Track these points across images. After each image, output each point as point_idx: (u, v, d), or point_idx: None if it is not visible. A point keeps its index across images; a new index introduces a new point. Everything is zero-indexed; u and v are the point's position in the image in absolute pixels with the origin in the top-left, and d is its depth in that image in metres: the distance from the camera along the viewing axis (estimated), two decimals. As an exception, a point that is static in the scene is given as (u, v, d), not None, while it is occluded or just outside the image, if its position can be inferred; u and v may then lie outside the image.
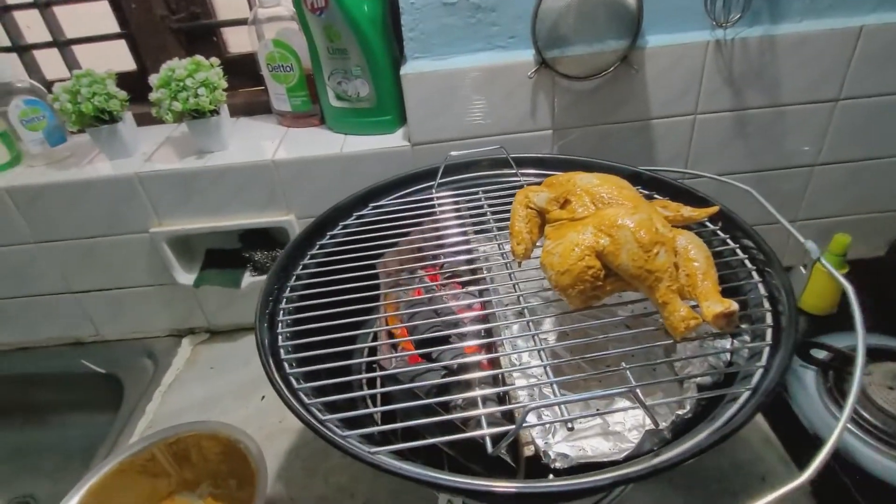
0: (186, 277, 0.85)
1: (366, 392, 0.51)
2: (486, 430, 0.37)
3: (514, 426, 0.35)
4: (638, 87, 0.73)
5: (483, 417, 0.38)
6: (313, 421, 0.40)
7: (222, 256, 0.87)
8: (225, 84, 0.75)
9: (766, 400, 0.36)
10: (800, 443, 0.64)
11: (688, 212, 0.53)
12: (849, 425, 0.59)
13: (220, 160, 0.77)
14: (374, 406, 0.50)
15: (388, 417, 0.49)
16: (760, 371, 0.40)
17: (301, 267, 0.58)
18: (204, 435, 0.63)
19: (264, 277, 0.82)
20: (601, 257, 0.45)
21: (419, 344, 0.48)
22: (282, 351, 0.48)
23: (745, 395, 0.38)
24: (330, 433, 0.39)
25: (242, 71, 0.89)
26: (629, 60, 0.69)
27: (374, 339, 0.57)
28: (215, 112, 0.76)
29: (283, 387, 0.43)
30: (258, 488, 0.56)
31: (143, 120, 0.86)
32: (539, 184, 0.60)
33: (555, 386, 0.40)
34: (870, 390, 0.60)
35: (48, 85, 0.82)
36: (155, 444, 0.63)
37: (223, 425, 0.64)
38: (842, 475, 0.55)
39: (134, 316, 0.92)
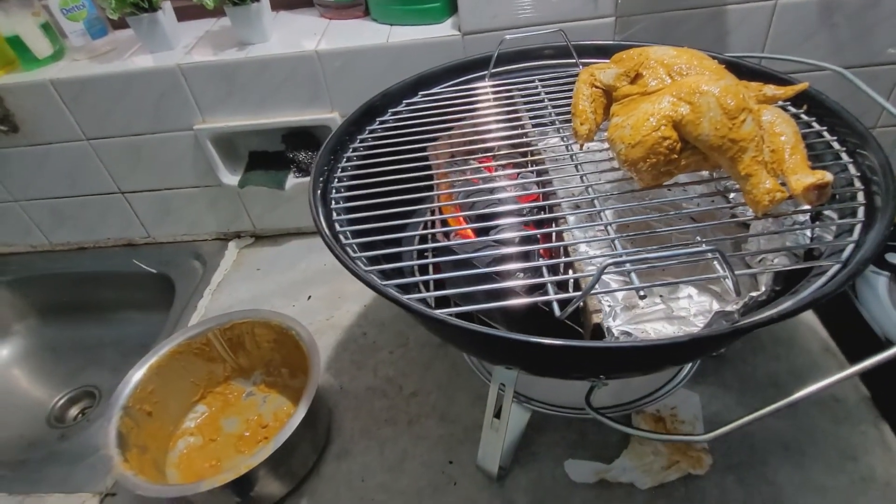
0: (231, 178, 0.85)
1: (420, 262, 0.50)
2: (552, 296, 0.36)
3: (580, 293, 0.34)
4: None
5: (549, 285, 0.37)
6: (377, 282, 0.39)
7: (266, 158, 0.86)
8: (266, -33, 0.71)
9: (859, 270, 0.34)
10: (863, 351, 0.61)
11: (771, 90, 0.48)
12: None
13: (263, 51, 0.74)
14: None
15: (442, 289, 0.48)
16: (851, 246, 0.37)
17: (351, 150, 0.56)
18: (257, 322, 0.65)
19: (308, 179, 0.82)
20: (679, 128, 0.42)
21: (476, 221, 0.46)
22: (336, 225, 0.47)
23: (835, 267, 0.35)
24: (394, 293, 0.38)
25: (280, -39, 0.84)
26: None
27: (430, 218, 0.56)
28: (256, -1, 0.73)
29: (340, 251, 0.42)
30: (311, 372, 0.57)
31: (182, 14, 0.83)
32: (603, 66, 0.56)
33: (626, 254, 0.38)
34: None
35: (86, -27, 0.79)
36: (210, 330, 0.64)
37: (275, 314, 0.65)
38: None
39: (182, 218, 0.93)
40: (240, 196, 0.89)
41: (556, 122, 0.56)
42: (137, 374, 0.60)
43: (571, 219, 0.49)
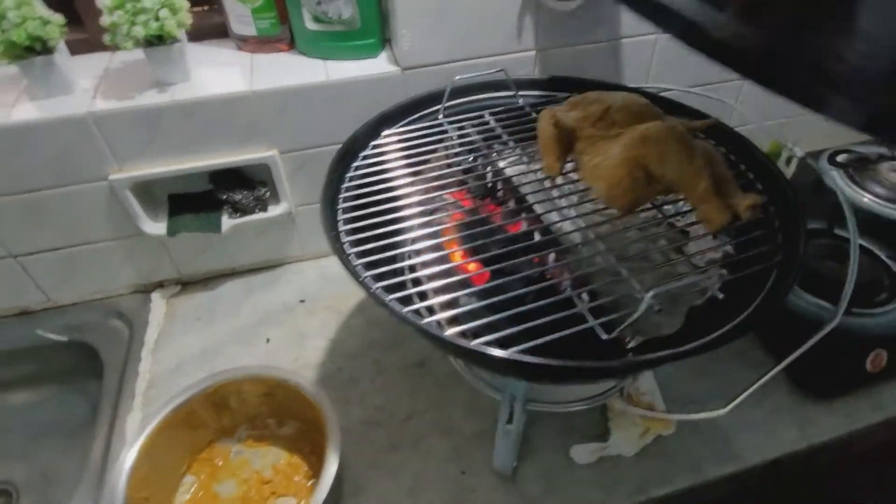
0: (154, 227, 0.78)
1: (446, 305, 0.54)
2: (591, 322, 0.43)
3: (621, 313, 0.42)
4: (610, 9, 0.77)
5: (586, 312, 0.44)
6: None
7: (190, 200, 0.81)
8: (188, 5, 0.67)
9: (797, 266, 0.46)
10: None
11: (691, 124, 0.60)
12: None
13: (190, 93, 0.70)
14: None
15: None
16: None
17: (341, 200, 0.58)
18: (245, 379, 0.63)
19: (249, 219, 0.79)
20: (646, 165, 0.51)
21: (489, 261, 0.52)
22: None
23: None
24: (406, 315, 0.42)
25: (183, -12, 0.78)
26: (608, -21, 0.73)
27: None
28: (175, 38, 0.68)
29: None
30: (327, 417, 0.58)
31: (70, 49, 0.74)
32: (548, 104, 0.64)
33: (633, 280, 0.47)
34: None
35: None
36: (194, 398, 0.61)
37: (263, 367, 0.64)
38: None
39: (91, 275, 0.83)
40: (163, 243, 0.82)
41: (521, 154, 0.63)
42: (128, 461, 0.55)
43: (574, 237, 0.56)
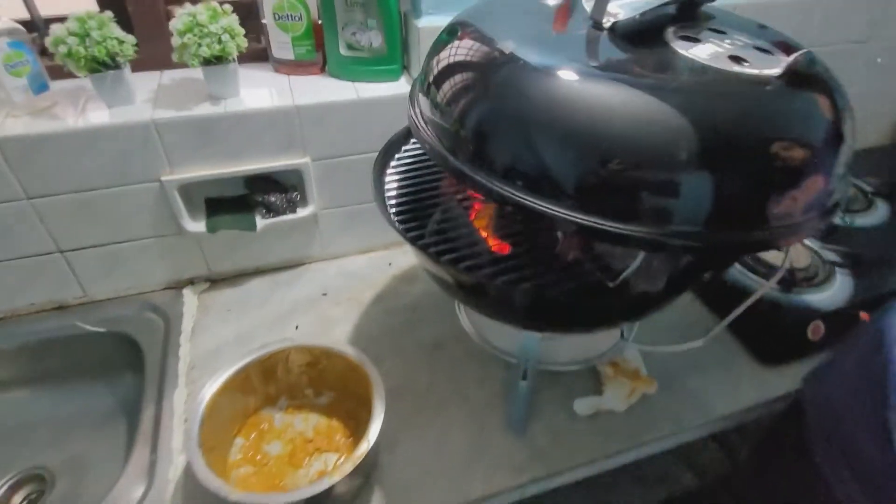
0: (195, 225, 0.87)
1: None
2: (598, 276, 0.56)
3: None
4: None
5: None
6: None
7: (225, 203, 0.90)
8: (243, 31, 0.78)
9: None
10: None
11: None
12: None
13: (240, 105, 0.81)
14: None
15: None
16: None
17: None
18: (293, 349, 0.72)
19: (280, 219, 0.89)
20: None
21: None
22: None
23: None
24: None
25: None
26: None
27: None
28: (232, 59, 0.79)
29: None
30: (373, 380, 0.67)
31: (127, 67, 0.84)
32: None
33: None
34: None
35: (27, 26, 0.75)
36: (251, 364, 0.69)
37: (312, 340, 0.72)
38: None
39: (128, 271, 0.90)
40: (198, 242, 0.91)
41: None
42: (199, 414, 0.63)
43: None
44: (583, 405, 0.74)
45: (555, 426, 0.74)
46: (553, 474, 0.70)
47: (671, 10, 0.52)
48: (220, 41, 0.75)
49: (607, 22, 0.51)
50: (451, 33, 0.57)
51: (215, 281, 0.97)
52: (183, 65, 0.77)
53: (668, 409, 0.77)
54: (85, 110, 0.78)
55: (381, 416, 0.64)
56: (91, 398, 0.91)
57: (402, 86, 0.89)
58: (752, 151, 0.43)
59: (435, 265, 0.58)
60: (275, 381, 0.74)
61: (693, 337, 0.69)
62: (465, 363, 0.83)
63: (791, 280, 0.85)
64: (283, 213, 0.91)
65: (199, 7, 0.74)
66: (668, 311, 0.67)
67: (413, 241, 0.59)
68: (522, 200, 0.46)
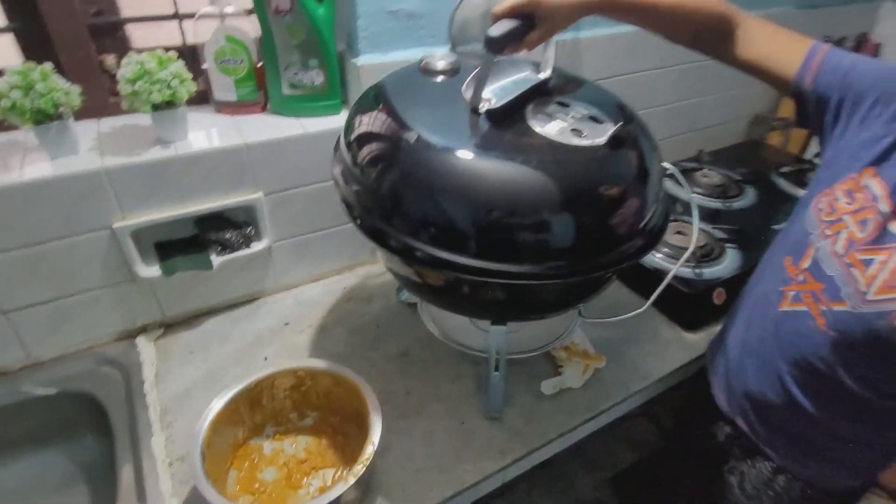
0: (148, 270, 0.86)
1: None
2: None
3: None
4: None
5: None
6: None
7: (176, 245, 0.90)
8: (191, 76, 0.81)
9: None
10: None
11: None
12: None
13: (190, 147, 0.83)
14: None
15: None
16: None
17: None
18: (278, 374, 0.74)
19: (235, 255, 0.91)
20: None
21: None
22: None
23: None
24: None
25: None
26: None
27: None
28: (181, 103, 0.81)
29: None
30: (366, 394, 0.71)
31: (63, 117, 0.82)
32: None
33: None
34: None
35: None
36: (239, 394, 0.71)
37: (294, 362, 0.75)
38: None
39: (77, 325, 0.87)
40: (151, 287, 0.90)
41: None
42: (198, 449, 0.64)
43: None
44: (548, 386, 0.84)
45: (526, 408, 0.83)
46: (531, 451, 0.78)
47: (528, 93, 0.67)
48: (169, 87, 0.77)
49: (483, 107, 0.64)
50: (375, 100, 0.69)
51: (170, 325, 0.95)
52: (120, 111, 0.78)
53: (616, 379, 0.88)
54: (25, 163, 0.76)
55: (380, 417, 0.68)
56: (49, 465, 0.85)
57: (343, 118, 0.95)
58: (591, 197, 0.61)
59: (412, 265, 0.65)
60: (260, 409, 0.76)
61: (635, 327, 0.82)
62: (436, 366, 0.89)
63: (694, 258, 1.01)
64: (239, 248, 0.92)
65: (146, 55, 0.76)
66: (602, 296, 0.78)
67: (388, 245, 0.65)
68: (433, 254, 0.59)
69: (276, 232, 0.97)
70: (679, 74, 1.28)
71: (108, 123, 0.87)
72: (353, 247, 1.07)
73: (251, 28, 0.88)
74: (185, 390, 0.84)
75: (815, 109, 0.67)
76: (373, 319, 0.98)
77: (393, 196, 0.62)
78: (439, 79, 0.72)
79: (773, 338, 0.69)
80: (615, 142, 0.63)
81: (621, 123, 0.64)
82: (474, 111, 0.64)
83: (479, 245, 0.59)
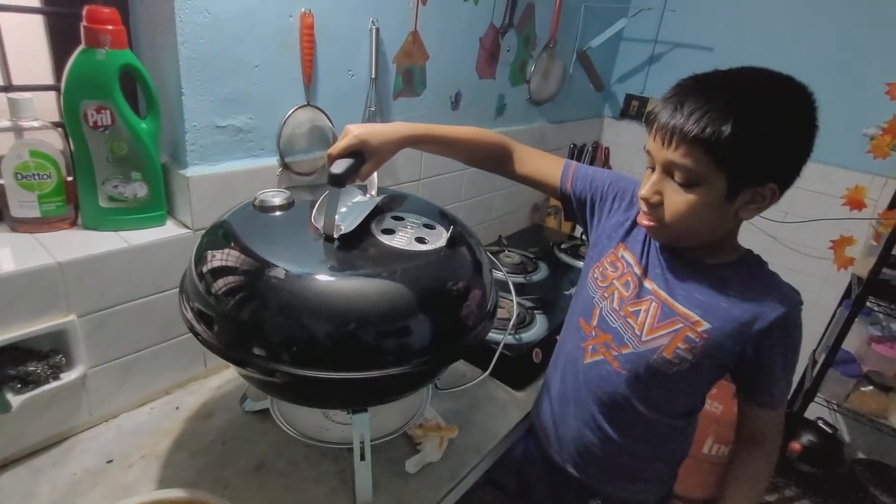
0: (-85, 427, 0.70)
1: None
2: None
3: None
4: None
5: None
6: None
7: (-44, 390, 0.75)
8: (-18, 194, 0.72)
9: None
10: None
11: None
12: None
13: (-16, 273, 0.72)
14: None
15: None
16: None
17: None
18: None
19: (41, 390, 0.81)
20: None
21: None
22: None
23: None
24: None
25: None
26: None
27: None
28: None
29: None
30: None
31: None
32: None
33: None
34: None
35: None
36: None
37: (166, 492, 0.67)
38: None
39: None
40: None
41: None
42: None
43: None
44: (411, 464, 0.87)
45: (395, 491, 0.85)
46: (405, 533, 0.80)
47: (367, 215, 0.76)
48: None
49: (337, 232, 0.71)
50: (225, 238, 0.71)
51: (-57, 494, 0.76)
52: None
53: (469, 444, 0.96)
54: None
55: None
56: None
57: (169, 229, 0.92)
58: (439, 293, 0.71)
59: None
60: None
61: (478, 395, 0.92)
62: (296, 471, 0.86)
63: (513, 327, 1.18)
64: (46, 382, 0.80)
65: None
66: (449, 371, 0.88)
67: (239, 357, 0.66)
68: (294, 372, 0.64)
69: (93, 357, 0.86)
70: (475, 174, 1.52)
71: None
72: (185, 360, 1.00)
73: (59, 141, 0.83)
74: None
75: (577, 206, 0.90)
76: (218, 436, 0.92)
77: (257, 323, 0.65)
78: (277, 213, 0.77)
79: (583, 385, 0.85)
80: (452, 242, 0.75)
81: (452, 226, 0.77)
82: (328, 238, 0.71)
83: (351, 356, 0.65)
